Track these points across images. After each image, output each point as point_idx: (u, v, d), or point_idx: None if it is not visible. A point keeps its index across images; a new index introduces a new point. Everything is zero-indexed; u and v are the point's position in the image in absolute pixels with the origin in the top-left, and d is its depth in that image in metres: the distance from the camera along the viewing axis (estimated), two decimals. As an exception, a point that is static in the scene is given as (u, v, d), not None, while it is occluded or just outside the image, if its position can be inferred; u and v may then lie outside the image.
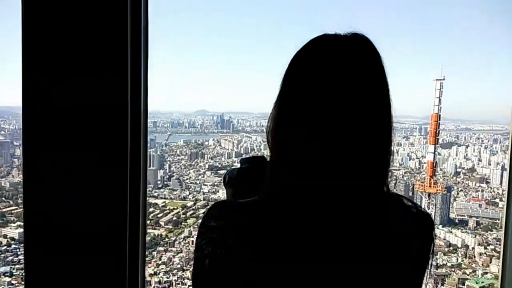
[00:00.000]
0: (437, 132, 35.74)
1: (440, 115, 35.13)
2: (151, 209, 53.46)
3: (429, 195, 36.64)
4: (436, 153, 35.65)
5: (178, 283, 43.68)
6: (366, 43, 0.95)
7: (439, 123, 35.85)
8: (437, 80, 35.93)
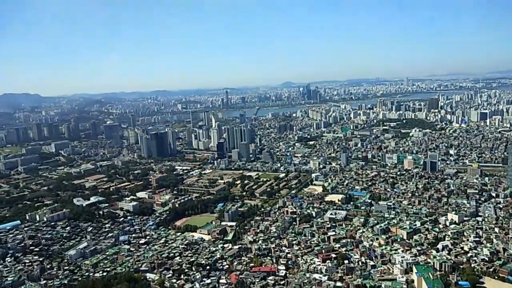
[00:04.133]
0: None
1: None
2: (245, 181, 56.57)
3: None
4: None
5: (276, 251, 45.06)
6: None
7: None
8: None
